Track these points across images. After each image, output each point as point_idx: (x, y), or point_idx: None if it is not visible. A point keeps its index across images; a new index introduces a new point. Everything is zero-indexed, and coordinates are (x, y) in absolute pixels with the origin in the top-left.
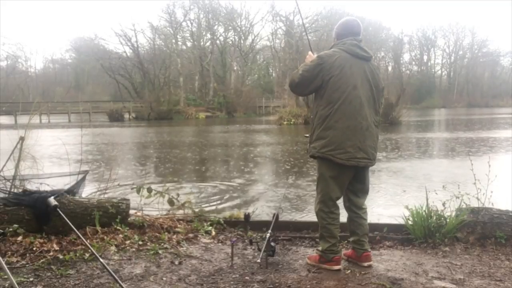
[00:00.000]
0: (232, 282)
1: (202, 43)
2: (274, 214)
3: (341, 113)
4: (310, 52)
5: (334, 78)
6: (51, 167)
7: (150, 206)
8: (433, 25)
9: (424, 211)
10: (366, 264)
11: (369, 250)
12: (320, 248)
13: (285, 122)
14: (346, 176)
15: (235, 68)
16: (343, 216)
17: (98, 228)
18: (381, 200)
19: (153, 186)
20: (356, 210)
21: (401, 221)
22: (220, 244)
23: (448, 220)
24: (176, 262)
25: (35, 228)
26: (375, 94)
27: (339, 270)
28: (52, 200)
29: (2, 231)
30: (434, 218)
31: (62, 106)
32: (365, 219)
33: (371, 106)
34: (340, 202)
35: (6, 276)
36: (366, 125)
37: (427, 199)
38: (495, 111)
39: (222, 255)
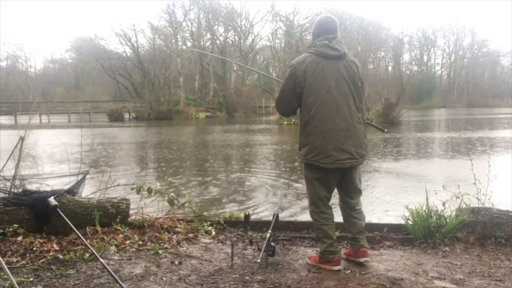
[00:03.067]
0: (232, 282)
1: (202, 43)
2: (274, 214)
3: (319, 117)
4: None
5: (307, 83)
6: (51, 167)
7: (150, 206)
8: (433, 25)
9: (424, 211)
10: (362, 259)
11: (367, 246)
12: (319, 250)
13: (285, 122)
14: (331, 177)
15: (235, 68)
16: (340, 216)
17: (98, 228)
18: (380, 200)
19: (153, 186)
20: (349, 211)
21: (401, 221)
22: (220, 244)
23: (448, 220)
24: (176, 262)
25: (35, 228)
26: (354, 91)
27: (339, 270)
28: (52, 200)
29: (2, 231)
30: (434, 218)
31: (62, 106)
32: (359, 219)
33: (352, 105)
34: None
35: (6, 276)
36: (346, 126)
37: (427, 199)
38: (495, 111)
39: (222, 255)
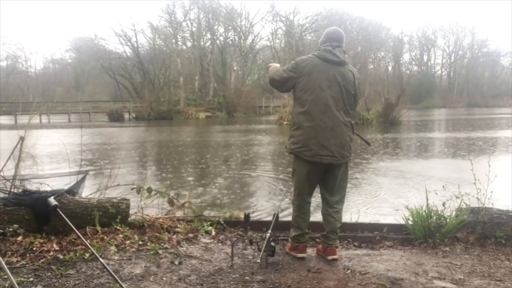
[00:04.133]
0: (232, 282)
1: (202, 43)
2: (274, 214)
3: (308, 113)
4: (275, 64)
5: (304, 81)
6: (51, 167)
7: (150, 206)
8: (433, 25)
9: (424, 211)
10: (330, 257)
11: (335, 245)
12: (290, 235)
13: (285, 122)
14: (314, 172)
15: (235, 68)
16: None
17: (98, 228)
18: (380, 200)
19: (153, 186)
20: (327, 208)
21: (401, 221)
22: (220, 244)
23: (448, 220)
24: (176, 262)
25: (35, 228)
26: (346, 97)
27: (302, 258)
28: (52, 200)
29: (2, 231)
30: (434, 218)
31: (62, 106)
32: (334, 218)
33: (341, 107)
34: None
35: (6, 276)
36: (331, 125)
37: (427, 199)
38: (495, 111)
39: (222, 255)
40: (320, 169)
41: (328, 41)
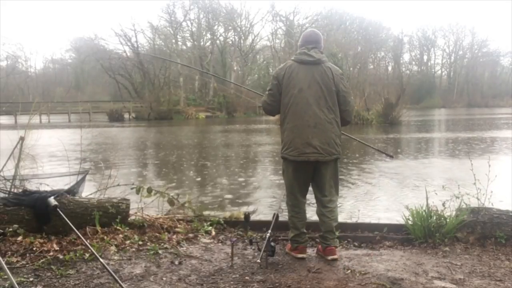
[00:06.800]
0: (232, 282)
1: (202, 43)
2: (274, 214)
3: (291, 115)
4: None
5: (284, 86)
6: (51, 167)
7: (150, 206)
8: (433, 25)
9: (424, 211)
10: (329, 257)
11: (334, 245)
12: (289, 236)
13: None
14: (302, 171)
15: (235, 68)
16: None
17: (98, 228)
18: (380, 200)
19: (153, 186)
20: (321, 208)
21: (401, 221)
22: (220, 244)
23: (448, 220)
24: (176, 262)
25: (35, 228)
26: (327, 94)
27: (302, 258)
28: (52, 200)
29: (2, 231)
30: (434, 218)
31: (62, 106)
32: (329, 217)
33: (323, 105)
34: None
35: (6, 276)
36: (313, 123)
37: (427, 199)
38: (495, 111)
39: (222, 255)
40: (308, 168)
41: (304, 44)
